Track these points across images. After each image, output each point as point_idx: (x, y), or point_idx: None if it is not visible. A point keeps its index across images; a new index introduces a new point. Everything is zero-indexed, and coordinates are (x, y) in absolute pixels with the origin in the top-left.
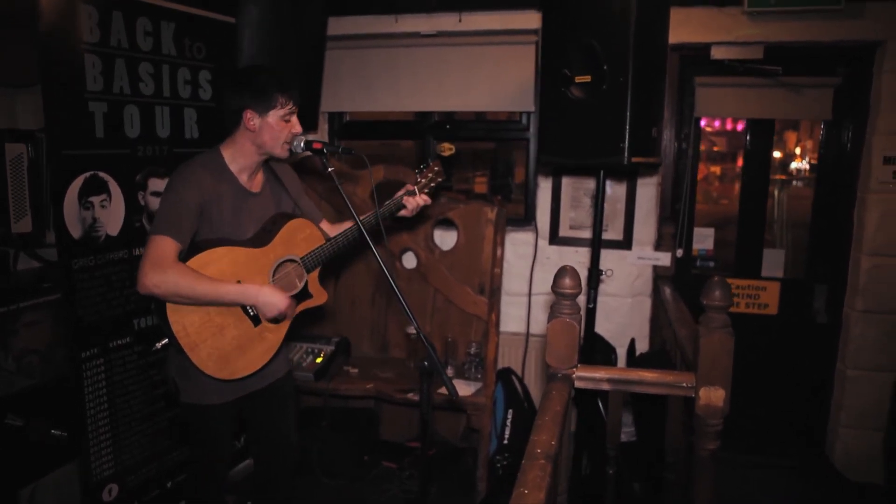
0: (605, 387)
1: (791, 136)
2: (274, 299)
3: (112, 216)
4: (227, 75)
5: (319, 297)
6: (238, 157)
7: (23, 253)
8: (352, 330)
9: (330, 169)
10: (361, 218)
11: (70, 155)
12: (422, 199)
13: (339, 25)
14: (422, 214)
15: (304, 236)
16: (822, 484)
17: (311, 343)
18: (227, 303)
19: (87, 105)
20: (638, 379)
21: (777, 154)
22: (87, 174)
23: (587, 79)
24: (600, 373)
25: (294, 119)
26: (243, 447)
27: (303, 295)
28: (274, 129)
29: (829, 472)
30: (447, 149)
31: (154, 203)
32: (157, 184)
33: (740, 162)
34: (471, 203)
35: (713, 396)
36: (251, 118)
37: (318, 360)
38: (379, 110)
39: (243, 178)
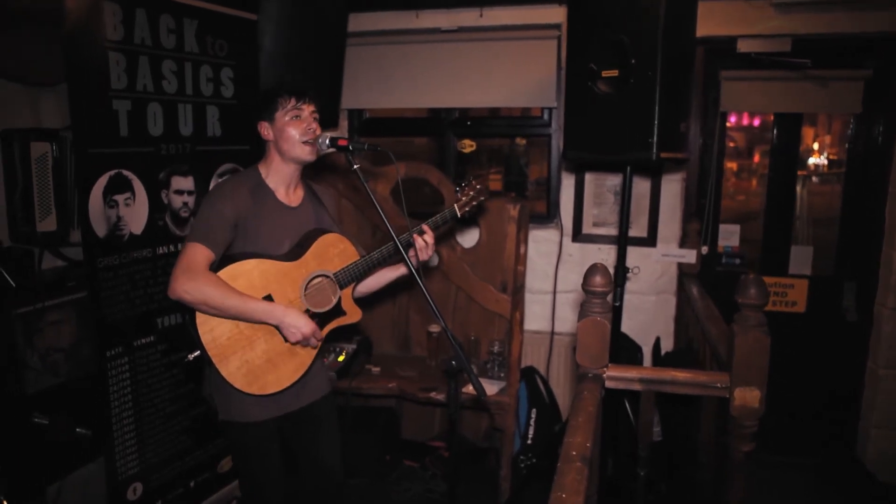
0: (637, 387)
1: (808, 132)
2: (299, 323)
3: (136, 215)
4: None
5: (353, 315)
6: (272, 172)
7: (47, 252)
8: (372, 328)
9: (356, 166)
10: (399, 236)
11: (95, 153)
12: (430, 242)
13: (359, 22)
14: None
15: (337, 251)
16: (852, 485)
17: (332, 341)
18: (253, 319)
19: (111, 103)
20: (670, 379)
21: None
22: (112, 172)
23: (614, 73)
24: (632, 373)
25: (305, 115)
26: None
27: (336, 312)
28: (285, 129)
29: (860, 473)
30: (468, 145)
31: (177, 201)
32: (180, 182)
33: (757, 157)
34: (493, 200)
35: (748, 397)
36: (264, 128)
37: (340, 358)
38: (399, 107)
39: (280, 193)
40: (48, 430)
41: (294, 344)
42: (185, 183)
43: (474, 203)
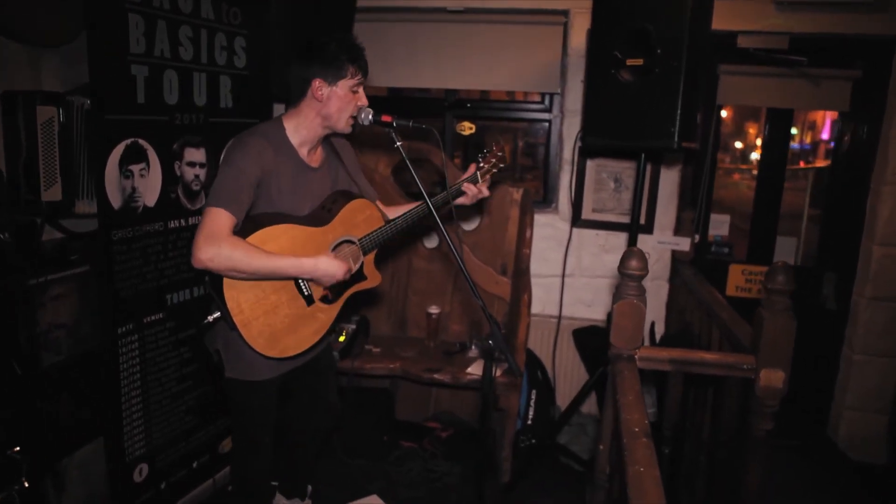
0: (667, 367)
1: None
2: (331, 269)
3: (150, 186)
4: (297, 46)
5: (373, 279)
6: (301, 129)
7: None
8: (370, 308)
9: (398, 143)
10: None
11: (113, 120)
12: (485, 190)
13: None
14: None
15: (363, 217)
16: (825, 462)
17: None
18: (283, 276)
19: (129, 68)
20: (699, 360)
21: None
22: (129, 141)
23: (639, 62)
24: (663, 354)
25: (361, 91)
26: None
27: (357, 277)
28: (342, 99)
29: (832, 451)
30: (467, 128)
31: (189, 174)
32: (193, 154)
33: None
34: (495, 184)
35: (773, 378)
36: (319, 87)
37: (341, 338)
38: (400, 86)
39: (303, 152)
40: (50, 409)
41: (327, 291)
42: (198, 155)
43: (495, 170)
